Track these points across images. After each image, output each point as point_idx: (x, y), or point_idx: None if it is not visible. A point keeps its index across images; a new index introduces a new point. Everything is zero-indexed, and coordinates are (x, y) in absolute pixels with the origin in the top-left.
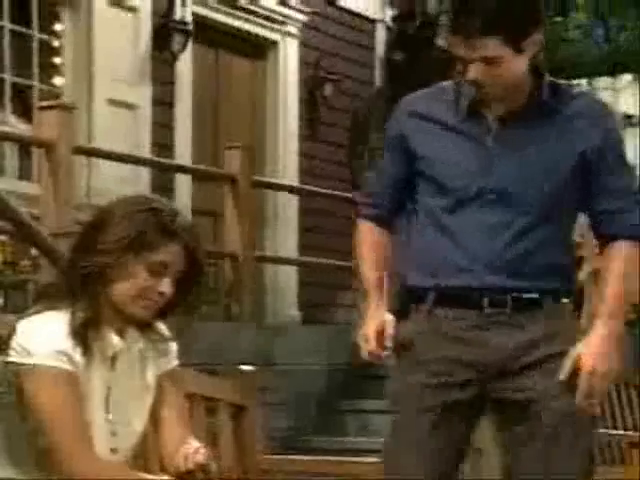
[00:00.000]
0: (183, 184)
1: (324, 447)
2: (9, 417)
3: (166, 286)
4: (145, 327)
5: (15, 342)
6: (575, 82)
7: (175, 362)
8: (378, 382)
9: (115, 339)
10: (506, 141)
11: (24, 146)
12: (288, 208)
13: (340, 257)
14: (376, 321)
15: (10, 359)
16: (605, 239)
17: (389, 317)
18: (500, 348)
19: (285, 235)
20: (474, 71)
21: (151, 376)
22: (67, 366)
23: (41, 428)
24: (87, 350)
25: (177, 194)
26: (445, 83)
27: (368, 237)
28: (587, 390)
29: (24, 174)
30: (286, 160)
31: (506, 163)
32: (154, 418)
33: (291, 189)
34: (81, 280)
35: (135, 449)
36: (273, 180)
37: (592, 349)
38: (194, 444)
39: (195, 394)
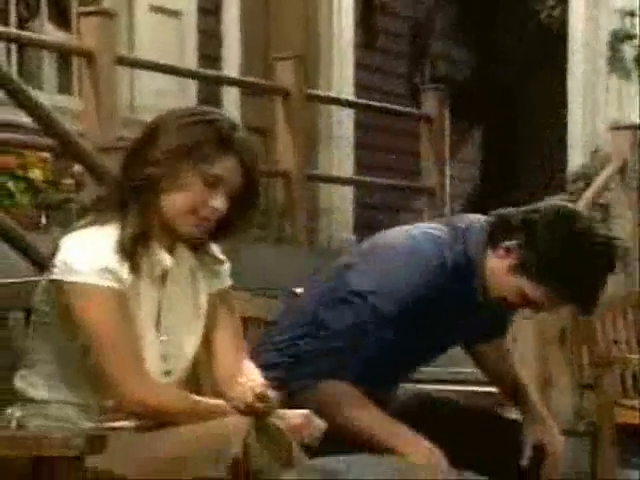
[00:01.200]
0: (231, 98)
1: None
2: (57, 337)
3: (219, 202)
4: (197, 247)
5: (59, 259)
6: None
7: (228, 282)
8: None
9: (165, 256)
10: None
11: (63, 57)
12: (343, 124)
13: (399, 176)
14: None
15: (54, 277)
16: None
17: None
18: None
19: (340, 153)
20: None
21: (203, 297)
22: (113, 284)
23: (92, 348)
24: (135, 267)
25: (225, 109)
26: (461, 259)
27: (356, 393)
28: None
29: (64, 88)
30: (341, 72)
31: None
32: (207, 341)
33: (347, 103)
34: (132, 193)
35: (187, 373)
36: (327, 93)
37: (555, 437)
38: (251, 373)
39: (249, 317)
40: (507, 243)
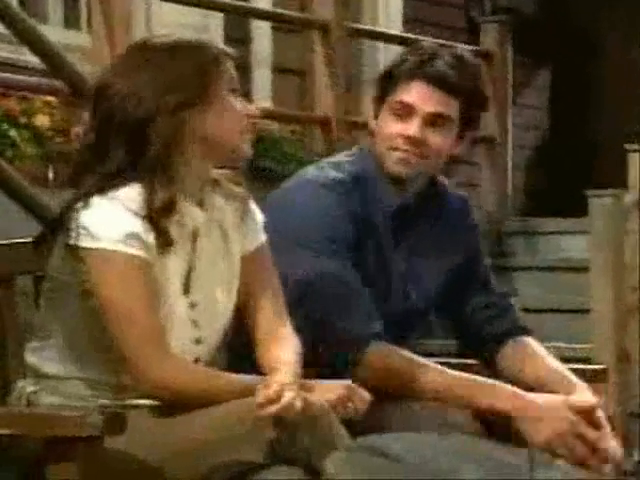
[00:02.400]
0: (262, 34)
1: (436, 350)
2: (72, 308)
3: (251, 107)
4: (229, 196)
5: (78, 223)
6: None
7: (263, 237)
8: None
9: (196, 212)
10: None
11: None
12: None
13: None
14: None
15: (72, 242)
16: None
17: None
18: None
19: None
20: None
21: (237, 255)
22: (139, 251)
23: (109, 321)
24: (164, 233)
25: (255, 47)
26: (348, 170)
27: (403, 353)
28: None
29: (71, 22)
30: (388, 3)
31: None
32: (242, 304)
33: (395, 39)
34: (158, 149)
35: (219, 341)
36: (373, 28)
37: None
38: (288, 348)
39: None
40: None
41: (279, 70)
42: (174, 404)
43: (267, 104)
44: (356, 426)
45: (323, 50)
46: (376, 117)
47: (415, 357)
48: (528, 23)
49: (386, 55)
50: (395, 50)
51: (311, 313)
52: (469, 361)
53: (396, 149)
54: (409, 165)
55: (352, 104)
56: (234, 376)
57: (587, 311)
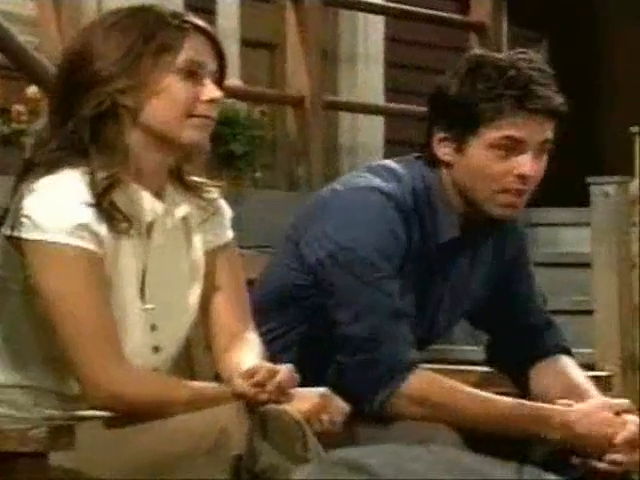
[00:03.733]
0: (229, 3)
1: (458, 358)
2: (12, 308)
3: (213, 89)
4: (190, 189)
5: (21, 213)
6: None
7: (230, 234)
8: None
9: (152, 203)
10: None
11: None
12: (371, 36)
13: None
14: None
15: (14, 234)
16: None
17: None
18: None
19: (367, 73)
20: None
21: (199, 253)
22: (89, 244)
23: (54, 323)
24: (115, 221)
25: (220, 18)
26: (401, 186)
27: (447, 379)
28: None
29: None
30: None
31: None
32: (203, 308)
33: (375, 8)
34: (90, 127)
35: (181, 349)
36: None
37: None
38: (253, 350)
39: (253, 280)
40: (439, 135)
41: (247, 43)
42: (129, 415)
43: (234, 82)
44: (331, 439)
45: (296, 21)
46: (458, 151)
47: (458, 384)
48: None
49: (366, 26)
50: (376, 22)
51: (359, 333)
52: (491, 370)
53: (507, 191)
54: (517, 209)
55: (328, 81)
56: (196, 385)
57: (589, 312)
